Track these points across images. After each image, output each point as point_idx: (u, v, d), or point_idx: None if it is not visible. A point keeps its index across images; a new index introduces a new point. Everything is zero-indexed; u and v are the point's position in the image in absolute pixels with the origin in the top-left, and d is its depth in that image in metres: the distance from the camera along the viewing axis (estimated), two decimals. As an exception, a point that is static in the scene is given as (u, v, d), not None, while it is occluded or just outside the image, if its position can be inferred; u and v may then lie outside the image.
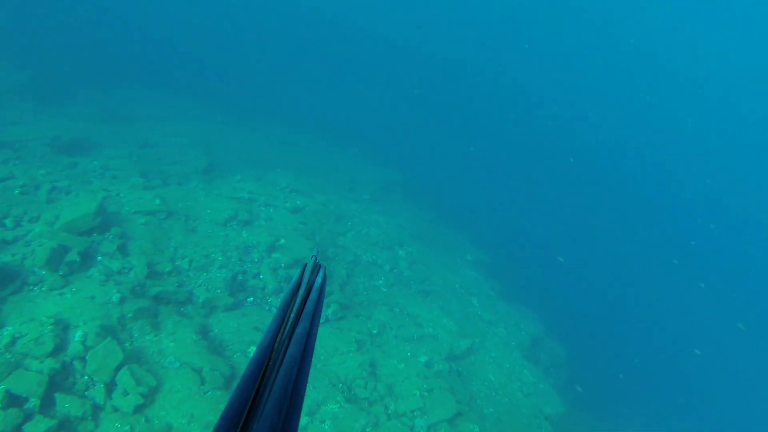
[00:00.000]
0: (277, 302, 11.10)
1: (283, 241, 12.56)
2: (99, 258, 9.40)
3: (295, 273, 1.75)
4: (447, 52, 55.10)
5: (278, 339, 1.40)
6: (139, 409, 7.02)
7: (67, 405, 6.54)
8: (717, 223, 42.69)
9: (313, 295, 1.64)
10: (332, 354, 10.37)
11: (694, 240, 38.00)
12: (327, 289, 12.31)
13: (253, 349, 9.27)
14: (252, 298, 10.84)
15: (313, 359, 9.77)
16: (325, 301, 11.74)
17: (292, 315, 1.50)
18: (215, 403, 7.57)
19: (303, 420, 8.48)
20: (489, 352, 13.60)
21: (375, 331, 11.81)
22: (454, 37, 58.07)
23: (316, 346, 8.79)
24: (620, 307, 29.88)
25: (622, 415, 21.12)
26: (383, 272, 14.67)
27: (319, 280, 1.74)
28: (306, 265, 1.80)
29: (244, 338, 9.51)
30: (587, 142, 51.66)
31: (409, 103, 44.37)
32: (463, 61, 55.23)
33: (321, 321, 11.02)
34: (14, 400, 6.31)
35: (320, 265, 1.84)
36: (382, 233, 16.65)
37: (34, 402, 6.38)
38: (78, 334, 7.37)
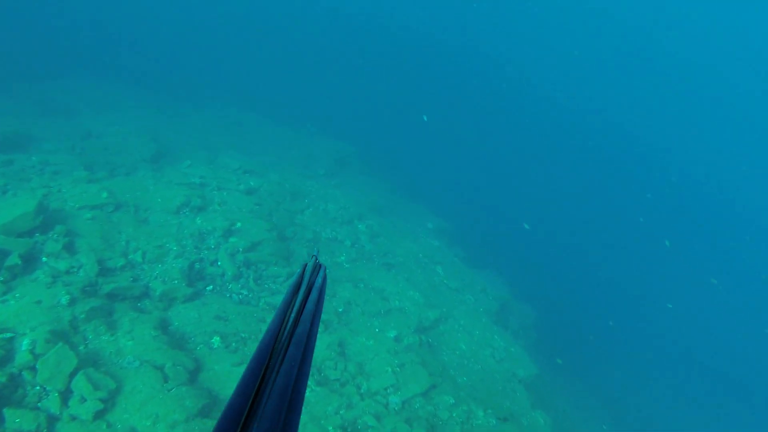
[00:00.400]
0: (237, 288, 10.75)
1: (239, 224, 12.15)
2: (44, 259, 8.87)
3: (295, 273, 1.80)
4: (396, 21, 54.42)
5: (279, 339, 1.42)
6: (99, 415, 6.64)
7: (18, 420, 6.12)
8: (678, 176, 43.31)
9: (314, 295, 1.68)
10: (299, 337, 10.10)
11: (651, 193, 38.52)
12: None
13: (216, 339, 8.97)
14: (211, 287, 10.45)
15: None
16: (287, 282, 11.43)
17: (293, 315, 1.53)
18: (180, 400, 7.23)
19: (274, 408, 8.22)
20: (458, 321, 13.49)
21: (341, 310, 11.57)
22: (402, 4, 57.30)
23: None
24: (587, 269, 30.29)
25: (595, 371, 21.41)
26: (344, 248, 14.40)
27: (319, 280, 1.79)
28: (306, 264, 1.86)
29: (206, 329, 9.15)
30: (546, 105, 51.83)
31: (360, 76, 43.85)
32: (411, 28, 54.54)
33: (285, 304, 10.79)
34: (-41, 421, 5.89)
35: (321, 265, 1.90)
36: (340, 208, 16.33)
37: (-19, 420, 5.97)
38: (25, 343, 6.91)
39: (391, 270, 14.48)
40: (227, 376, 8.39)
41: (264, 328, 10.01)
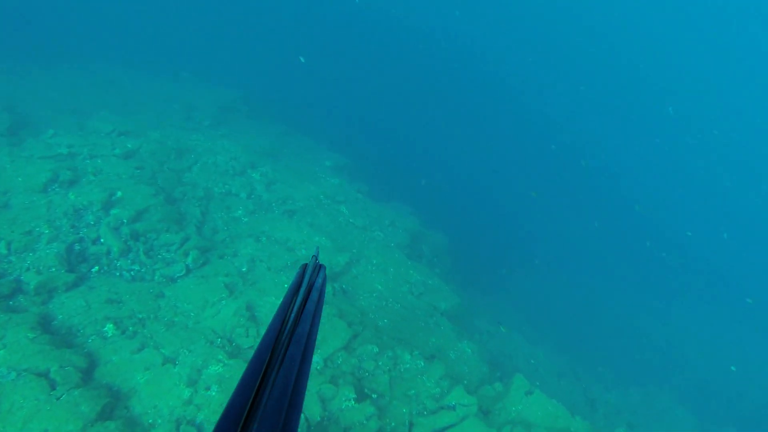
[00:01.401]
0: (127, 265, 9.75)
1: (120, 193, 10.99)
2: None
3: (296, 273, 1.85)
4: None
5: (279, 339, 1.46)
6: (-26, 445, 5.76)
7: None
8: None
9: (314, 296, 1.75)
10: (202, 308, 9.29)
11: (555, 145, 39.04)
12: (185, 234, 11.11)
13: (110, 327, 8.08)
14: (97, 268, 9.41)
15: (183, 318, 8.68)
16: (182, 248, 10.51)
17: (293, 315, 1.59)
18: (74, 407, 6.39)
19: (185, 393, 7.49)
20: (370, 261, 13.00)
21: (245, 269, 10.80)
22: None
23: (183, 304, 7.54)
24: (493, 196, 30.64)
25: (513, 288, 21.73)
26: (241, 201, 13.51)
27: (319, 280, 1.87)
28: (306, 265, 1.93)
29: (97, 316, 8.21)
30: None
31: (238, 14, 41.52)
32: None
33: (182, 274, 9.90)
34: None
35: (321, 266, 1.98)
36: (231, 158, 15.29)
37: None
38: None
39: (294, 217, 13.74)
40: (128, 366, 7.58)
41: (163, 303, 9.19)
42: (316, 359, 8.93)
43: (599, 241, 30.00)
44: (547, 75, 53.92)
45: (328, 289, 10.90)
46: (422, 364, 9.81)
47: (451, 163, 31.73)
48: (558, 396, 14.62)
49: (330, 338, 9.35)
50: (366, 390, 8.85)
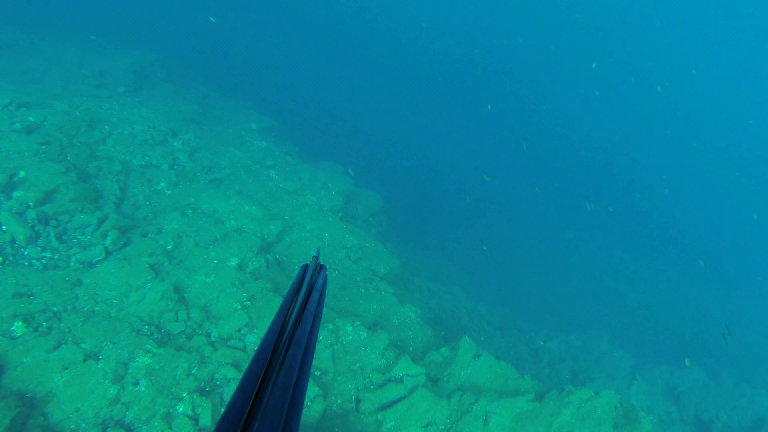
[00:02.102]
0: (37, 253, 8.85)
1: (22, 173, 9.96)
2: None
3: (296, 273, 1.85)
4: None
5: (279, 339, 1.44)
6: None
7: None
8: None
9: (314, 296, 1.72)
10: (126, 293, 8.56)
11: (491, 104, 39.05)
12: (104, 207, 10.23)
13: (19, 325, 7.31)
14: (1, 259, 8.54)
15: (105, 307, 7.93)
16: (100, 229, 9.66)
17: (293, 316, 1.56)
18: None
19: (111, 391, 6.85)
20: (304, 227, 12.42)
21: (170, 246, 10.06)
22: None
23: (103, 291, 6.70)
24: (428, 155, 30.38)
25: (449, 243, 21.58)
26: (162, 173, 12.63)
27: (320, 281, 1.85)
28: (307, 266, 1.91)
29: (2, 314, 7.39)
30: None
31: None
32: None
33: (101, 258, 9.11)
34: None
35: (322, 266, 1.96)
36: (149, 127, 14.28)
37: None
38: None
39: (220, 186, 12.99)
40: (43, 367, 6.87)
41: (80, 292, 8.42)
42: (252, 339, 8.40)
43: (542, 201, 30.25)
44: (477, 33, 53.52)
45: (261, 261, 10.29)
46: (365, 334, 9.38)
47: (384, 122, 31.20)
48: (502, 349, 14.64)
49: (266, 315, 8.82)
50: (308, 368, 8.40)
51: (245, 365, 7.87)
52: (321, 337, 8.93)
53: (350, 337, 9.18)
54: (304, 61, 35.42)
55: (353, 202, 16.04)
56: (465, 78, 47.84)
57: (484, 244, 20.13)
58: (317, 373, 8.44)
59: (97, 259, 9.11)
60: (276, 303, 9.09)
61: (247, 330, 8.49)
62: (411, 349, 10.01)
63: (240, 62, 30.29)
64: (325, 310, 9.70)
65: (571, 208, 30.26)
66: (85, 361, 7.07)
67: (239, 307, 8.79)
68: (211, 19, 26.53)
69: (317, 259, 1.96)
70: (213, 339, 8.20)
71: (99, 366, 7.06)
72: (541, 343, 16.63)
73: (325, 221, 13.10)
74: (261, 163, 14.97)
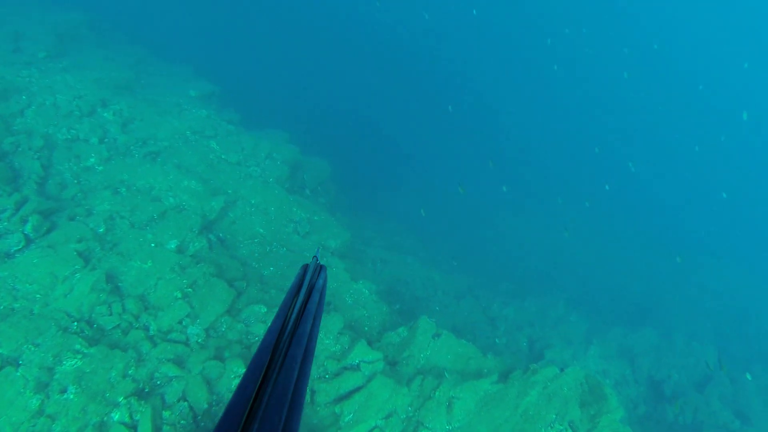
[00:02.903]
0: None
1: (-74, 154, 8.94)
2: None
3: (296, 274, 1.81)
4: None
5: (280, 340, 1.42)
6: None
7: None
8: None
9: (315, 297, 1.69)
10: (51, 286, 7.71)
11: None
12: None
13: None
14: None
15: (27, 303, 7.06)
16: (19, 214, 8.70)
17: (293, 316, 1.53)
18: None
19: (33, 402, 6.11)
20: (248, 202, 11.67)
21: (102, 230, 9.19)
22: None
23: (24, 285, 5.81)
24: (375, 119, 29.83)
25: (399, 205, 21.16)
26: (92, 147, 11.61)
27: (320, 281, 1.81)
28: (307, 266, 1.88)
29: None
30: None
31: None
32: None
33: (20, 246, 8.21)
34: None
35: (322, 266, 1.91)
36: (75, 97, 13.14)
37: None
38: None
39: (157, 160, 12.04)
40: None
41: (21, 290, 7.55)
42: (195, 331, 7.71)
43: (494, 174, 30.10)
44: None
45: (203, 242, 9.52)
46: (318, 316, 8.81)
47: (332, 86, 30.33)
48: (458, 318, 14.30)
49: (210, 303, 8.12)
50: (257, 358, 7.78)
51: (190, 361, 7.21)
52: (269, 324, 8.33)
53: (302, 323, 8.59)
54: (249, 22, 34.00)
55: (300, 171, 15.29)
56: (412, 45, 47.06)
57: (422, 209, 19.71)
58: (268, 363, 7.85)
59: (15, 248, 8.18)
60: (220, 288, 8.39)
61: (189, 321, 7.79)
62: (366, 329, 9.49)
63: (180, 22, 28.74)
64: (273, 291, 9.08)
65: (528, 176, 30.30)
66: (1, 368, 6.29)
67: (180, 295, 8.06)
68: None
69: (317, 259, 1.91)
70: (152, 333, 7.48)
71: (19, 373, 6.29)
72: (498, 309, 16.39)
73: (271, 194, 12.34)
74: (201, 133, 14.01)
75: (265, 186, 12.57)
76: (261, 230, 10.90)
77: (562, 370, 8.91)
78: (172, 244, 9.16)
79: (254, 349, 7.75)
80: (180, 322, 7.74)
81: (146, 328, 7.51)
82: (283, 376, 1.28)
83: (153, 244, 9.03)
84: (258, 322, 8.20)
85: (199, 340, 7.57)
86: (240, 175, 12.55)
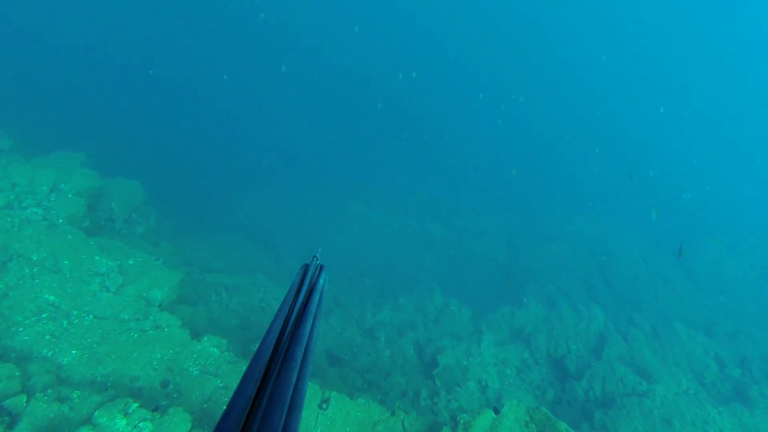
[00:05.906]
0: None
1: None
2: None
3: (296, 274, 1.74)
4: None
5: (280, 340, 1.39)
6: None
7: None
8: None
9: (315, 297, 1.65)
10: None
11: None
12: None
13: None
14: None
15: None
16: None
17: (293, 316, 1.51)
18: None
19: None
20: (28, 259, 8.40)
21: None
22: None
23: None
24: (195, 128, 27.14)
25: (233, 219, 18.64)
26: None
27: (320, 281, 1.75)
28: (307, 265, 1.81)
29: None
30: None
31: None
32: None
33: None
34: None
35: (321, 266, 1.85)
36: None
37: None
38: None
39: None
40: None
41: None
42: None
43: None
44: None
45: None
46: (149, 421, 5.94)
47: (140, 94, 26.78)
48: (331, 338, 12.07)
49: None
50: None
51: None
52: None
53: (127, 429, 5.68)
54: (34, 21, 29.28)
55: (105, 200, 11.95)
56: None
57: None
58: None
59: None
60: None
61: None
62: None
63: None
64: (79, 391, 6.17)
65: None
66: None
67: None
68: None
69: (317, 259, 1.82)
70: None
71: None
72: (371, 316, 14.26)
73: (62, 241, 9.05)
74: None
75: (53, 231, 9.22)
76: (52, 297, 7.76)
77: (495, 410, 6.81)
78: None
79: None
80: None
81: None
82: (283, 376, 1.24)
83: None
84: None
85: None
86: (11, 224, 9.09)
